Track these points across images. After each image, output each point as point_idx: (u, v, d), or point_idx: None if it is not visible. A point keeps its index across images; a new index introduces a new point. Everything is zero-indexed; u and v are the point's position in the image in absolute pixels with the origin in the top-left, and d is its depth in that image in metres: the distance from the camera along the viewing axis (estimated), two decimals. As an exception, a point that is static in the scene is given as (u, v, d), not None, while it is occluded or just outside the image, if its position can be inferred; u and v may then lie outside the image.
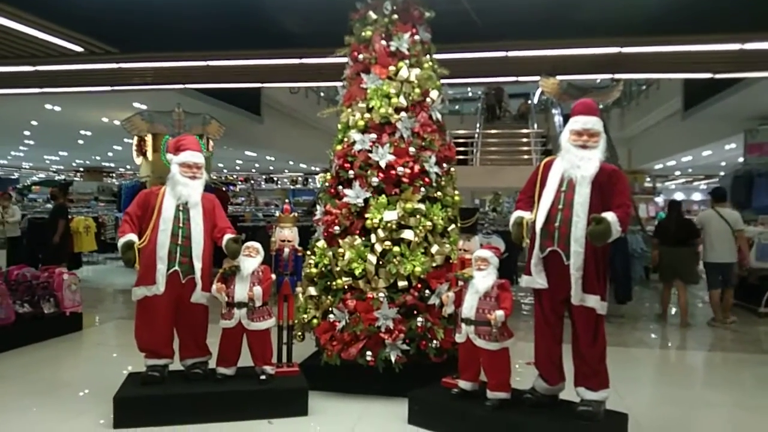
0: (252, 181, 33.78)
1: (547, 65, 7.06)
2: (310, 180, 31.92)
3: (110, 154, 20.89)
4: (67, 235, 9.41)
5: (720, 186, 8.53)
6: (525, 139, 17.23)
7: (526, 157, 16.00)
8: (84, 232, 10.05)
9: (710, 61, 6.60)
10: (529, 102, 20.68)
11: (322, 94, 19.48)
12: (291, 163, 25.36)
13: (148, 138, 12.30)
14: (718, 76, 6.99)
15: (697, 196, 28.12)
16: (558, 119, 19.76)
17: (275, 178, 33.90)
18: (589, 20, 6.44)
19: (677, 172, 23.62)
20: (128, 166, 27.08)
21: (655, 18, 6.15)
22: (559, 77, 7.35)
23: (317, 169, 27.26)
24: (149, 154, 12.45)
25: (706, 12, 5.95)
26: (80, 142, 17.19)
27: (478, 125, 18.35)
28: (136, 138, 12.52)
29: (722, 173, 21.33)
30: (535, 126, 18.03)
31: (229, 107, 11.83)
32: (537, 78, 7.54)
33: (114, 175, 30.69)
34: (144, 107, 11.12)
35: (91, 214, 12.08)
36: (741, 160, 13.61)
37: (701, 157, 16.33)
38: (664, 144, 14.38)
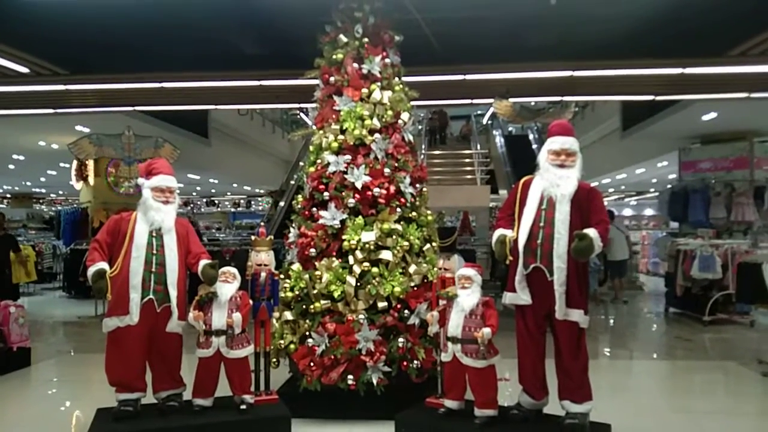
0: (191, 205, 32.90)
1: (502, 88, 7.30)
2: (252, 202, 31.41)
3: (42, 179, 19.87)
4: (7, 265, 8.91)
5: (611, 209, 10.67)
6: (468, 160, 17.61)
7: (469, 177, 16.34)
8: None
9: (654, 84, 7.02)
10: (470, 123, 21.20)
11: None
12: (235, 185, 24.90)
13: (90, 162, 11.83)
14: (659, 98, 7.42)
15: (627, 212, 29.50)
16: (499, 140, 20.37)
17: (216, 201, 33.18)
18: (542, 46, 6.73)
19: (611, 189, 24.73)
20: (61, 192, 25.83)
21: (604, 44, 6.50)
22: (512, 99, 7.60)
23: (261, 191, 26.90)
24: (91, 179, 11.97)
25: (652, 38, 6.35)
26: (11, 167, 16.29)
27: (423, 146, 18.64)
28: (75, 162, 12.01)
29: (652, 189, 22.54)
30: (478, 146, 18.47)
31: (176, 130, 11.52)
32: (491, 100, 7.76)
33: (43, 201, 29.18)
34: (87, 130, 10.67)
35: (28, 243, 11.43)
36: (672, 176, 14.37)
37: (634, 174, 17.13)
38: (602, 162, 15.03)
